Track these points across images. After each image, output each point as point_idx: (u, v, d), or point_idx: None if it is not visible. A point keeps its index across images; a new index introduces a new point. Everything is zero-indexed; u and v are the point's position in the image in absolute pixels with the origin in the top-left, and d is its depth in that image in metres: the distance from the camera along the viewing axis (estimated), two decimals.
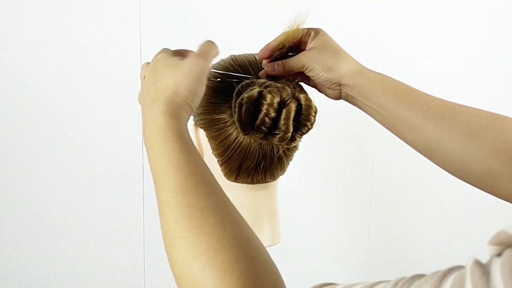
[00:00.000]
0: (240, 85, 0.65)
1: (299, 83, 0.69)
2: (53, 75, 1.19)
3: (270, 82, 0.65)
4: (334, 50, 0.66)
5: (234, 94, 0.64)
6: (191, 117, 0.71)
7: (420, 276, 0.33)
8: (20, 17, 1.16)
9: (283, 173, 0.72)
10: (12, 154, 1.23)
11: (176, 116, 0.51)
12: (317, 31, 0.67)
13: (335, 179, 1.29)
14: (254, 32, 1.17)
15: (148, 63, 0.60)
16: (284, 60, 0.68)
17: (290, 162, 0.72)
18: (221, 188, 0.48)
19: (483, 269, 0.29)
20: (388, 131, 0.65)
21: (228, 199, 0.47)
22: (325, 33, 0.67)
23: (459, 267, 0.31)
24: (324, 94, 0.70)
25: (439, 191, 1.32)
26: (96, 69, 1.19)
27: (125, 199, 1.26)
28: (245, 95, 0.62)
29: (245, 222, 0.46)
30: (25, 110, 1.20)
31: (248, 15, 1.18)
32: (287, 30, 0.68)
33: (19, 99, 1.20)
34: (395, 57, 1.23)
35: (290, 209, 1.29)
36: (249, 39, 1.14)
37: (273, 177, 0.71)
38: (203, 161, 0.50)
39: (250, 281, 0.40)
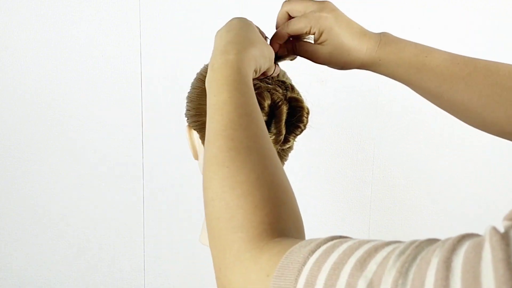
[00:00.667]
0: None
1: (291, 83, 0.68)
2: (53, 75, 1.19)
3: (260, 84, 0.65)
4: (345, 50, 0.63)
5: None
6: (185, 119, 0.71)
7: (436, 240, 0.33)
8: (20, 17, 1.16)
9: None
10: (12, 154, 1.23)
11: (247, 62, 0.53)
12: (320, 29, 0.62)
13: (335, 179, 1.29)
14: None
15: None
16: (296, 45, 0.65)
17: (286, 163, 0.72)
18: (268, 137, 0.50)
19: (503, 234, 0.29)
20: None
21: (273, 147, 0.50)
22: (332, 27, 0.62)
23: (476, 234, 0.31)
24: (317, 57, 0.66)
25: (439, 191, 1.32)
26: (96, 69, 1.19)
27: (125, 199, 1.26)
28: None
29: (283, 170, 0.48)
30: (25, 110, 1.20)
31: (248, 15, 1.18)
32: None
33: (19, 99, 1.20)
34: None
35: None
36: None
37: None
38: (259, 108, 0.52)
39: (276, 221, 0.43)
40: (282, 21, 0.65)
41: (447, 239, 0.32)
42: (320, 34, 0.62)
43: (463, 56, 0.63)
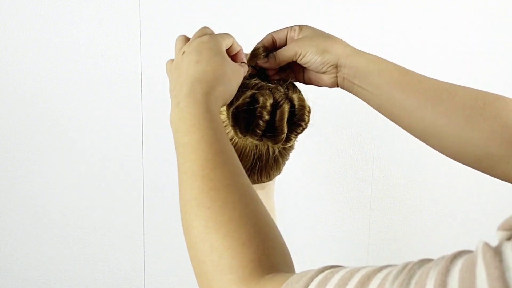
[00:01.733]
0: None
1: (292, 82, 0.69)
2: (53, 75, 1.19)
3: (262, 83, 0.65)
4: (325, 35, 0.65)
5: None
6: None
7: (428, 260, 0.33)
8: (20, 17, 1.16)
9: (279, 173, 0.72)
10: (12, 154, 1.23)
11: (215, 101, 0.53)
12: (301, 26, 0.67)
13: (335, 179, 1.29)
14: (254, 32, 1.17)
15: (186, 37, 0.62)
16: (275, 52, 0.67)
17: (286, 162, 0.72)
18: (245, 173, 0.50)
19: (495, 249, 0.29)
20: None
21: (249, 182, 0.50)
22: (309, 26, 0.67)
23: (468, 251, 0.31)
24: (319, 84, 0.69)
25: (439, 191, 1.32)
26: (96, 69, 1.19)
27: (125, 199, 1.26)
28: (238, 101, 0.61)
29: (264, 207, 0.48)
30: (25, 110, 1.20)
31: (248, 15, 1.18)
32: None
33: (19, 99, 1.20)
34: (395, 57, 1.23)
35: (290, 209, 1.29)
36: (249, 38, 1.14)
37: (269, 177, 0.70)
38: (231, 145, 0.52)
39: (265, 257, 0.43)
40: (266, 42, 0.68)
41: (439, 259, 0.32)
42: (301, 30, 0.66)
43: (409, 70, 0.64)
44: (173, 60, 0.62)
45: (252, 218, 0.45)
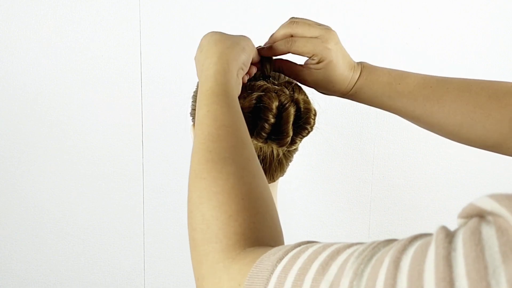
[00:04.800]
0: None
1: (298, 83, 0.68)
2: (53, 75, 1.19)
3: (268, 85, 0.64)
4: (332, 81, 0.66)
5: None
6: (190, 119, 0.71)
7: (394, 240, 0.34)
8: (20, 17, 1.16)
9: (283, 174, 0.72)
10: (12, 154, 1.23)
11: (227, 71, 0.55)
12: (321, 59, 0.64)
13: (335, 179, 1.29)
14: (254, 32, 1.17)
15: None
16: (284, 64, 0.67)
17: (290, 164, 0.72)
18: (250, 145, 0.51)
19: (449, 232, 0.30)
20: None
21: (254, 156, 0.50)
22: (331, 61, 0.64)
23: (429, 234, 0.32)
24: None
25: (439, 191, 1.32)
26: (96, 69, 1.19)
27: (125, 199, 1.26)
28: (244, 103, 0.61)
29: (264, 179, 0.49)
30: (25, 110, 1.20)
31: (248, 15, 1.18)
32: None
33: (19, 99, 1.20)
34: (395, 57, 1.23)
35: (291, 210, 1.29)
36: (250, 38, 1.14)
37: (273, 179, 0.70)
38: (241, 117, 0.53)
39: (250, 231, 0.44)
40: (281, 39, 0.66)
41: (402, 239, 0.33)
42: (318, 62, 0.64)
43: (437, 77, 0.65)
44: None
45: (245, 191, 0.46)
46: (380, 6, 1.20)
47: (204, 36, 0.62)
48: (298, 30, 0.64)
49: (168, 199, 1.26)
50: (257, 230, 0.45)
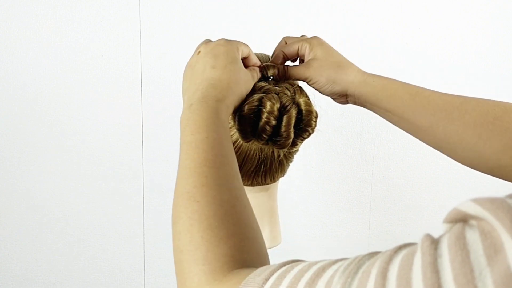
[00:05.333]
0: None
1: (299, 85, 0.68)
2: (53, 75, 1.19)
3: (269, 86, 0.64)
4: (335, 62, 0.67)
5: None
6: None
7: (377, 253, 0.34)
8: (20, 17, 1.16)
9: (283, 175, 0.72)
10: (12, 154, 1.23)
11: (226, 109, 0.56)
12: (311, 44, 0.68)
13: (335, 179, 1.29)
14: (254, 32, 1.17)
15: (209, 40, 0.66)
16: (286, 67, 0.68)
17: (291, 164, 0.72)
18: (239, 177, 0.53)
19: (434, 239, 0.31)
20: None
21: (243, 187, 0.52)
22: (321, 43, 0.68)
23: (413, 243, 0.33)
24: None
25: (439, 191, 1.32)
26: (96, 69, 1.19)
27: (125, 199, 1.26)
28: (245, 105, 0.61)
29: (252, 211, 0.51)
30: (25, 110, 1.20)
31: (248, 15, 1.18)
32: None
33: (19, 99, 1.20)
34: (395, 57, 1.23)
35: (291, 210, 1.29)
36: (250, 39, 1.14)
37: (273, 179, 0.70)
38: (233, 151, 0.55)
39: (239, 254, 0.45)
40: (278, 59, 0.71)
41: (386, 251, 0.33)
42: (311, 49, 0.67)
43: (450, 93, 0.65)
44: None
45: (236, 218, 0.47)
46: (380, 6, 1.20)
47: (223, 46, 0.62)
48: (285, 39, 0.72)
49: (168, 199, 1.26)
50: (245, 252, 0.45)
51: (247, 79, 0.61)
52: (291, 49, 0.69)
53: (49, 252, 1.28)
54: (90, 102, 1.21)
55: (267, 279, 0.38)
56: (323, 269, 0.36)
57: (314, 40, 0.69)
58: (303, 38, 0.70)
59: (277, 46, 0.72)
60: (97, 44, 1.18)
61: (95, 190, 1.25)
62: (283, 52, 0.69)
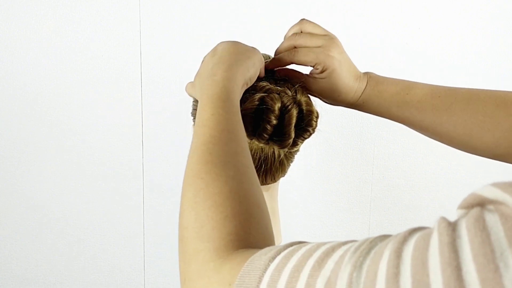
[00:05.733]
0: None
1: (301, 84, 0.68)
2: (53, 75, 1.19)
3: (270, 86, 0.64)
4: (337, 91, 0.67)
5: None
6: (191, 118, 0.71)
7: (387, 236, 0.34)
8: (20, 17, 1.16)
9: (284, 175, 0.72)
10: (12, 154, 1.23)
11: (234, 82, 0.55)
12: (324, 67, 0.64)
13: (335, 179, 1.29)
14: (254, 32, 1.17)
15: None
16: (290, 73, 0.68)
17: (291, 164, 0.72)
18: (249, 153, 0.52)
19: (450, 222, 0.30)
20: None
21: (252, 163, 0.51)
22: (334, 70, 0.64)
23: (427, 227, 0.33)
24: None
25: (439, 191, 1.32)
26: (96, 69, 1.19)
27: (125, 199, 1.26)
28: (246, 104, 0.61)
29: (260, 188, 0.49)
30: (25, 110, 1.20)
31: (248, 15, 1.18)
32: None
33: (19, 99, 1.20)
34: (395, 57, 1.23)
35: (291, 210, 1.29)
36: (250, 39, 1.14)
37: (274, 179, 0.70)
38: (242, 125, 0.54)
39: (245, 233, 0.44)
40: (285, 51, 0.68)
41: (399, 233, 0.33)
42: (322, 71, 0.65)
43: (444, 87, 0.66)
44: (192, 82, 0.66)
45: (242, 195, 0.46)
46: (380, 6, 1.20)
47: (221, 42, 0.62)
48: (300, 41, 0.66)
49: (168, 199, 1.26)
50: (251, 234, 0.44)
51: (253, 51, 0.61)
52: (304, 63, 0.66)
53: (49, 252, 1.28)
54: (90, 102, 1.21)
55: (273, 258, 0.38)
56: (333, 249, 0.35)
57: (330, 64, 0.64)
58: (320, 54, 0.64)
59: (283, 48, 0.68)
60: (97, 44, 1.18)
61: (95, 190, 1.25)
62: (292, 61, 0.67)
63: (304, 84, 0.67)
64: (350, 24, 1.20)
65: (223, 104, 0.52)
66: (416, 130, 0.68)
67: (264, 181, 0.69)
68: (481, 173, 1.30)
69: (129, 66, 1.19)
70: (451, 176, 1.31)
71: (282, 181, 0.75)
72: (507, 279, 0.26)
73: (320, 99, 0.69)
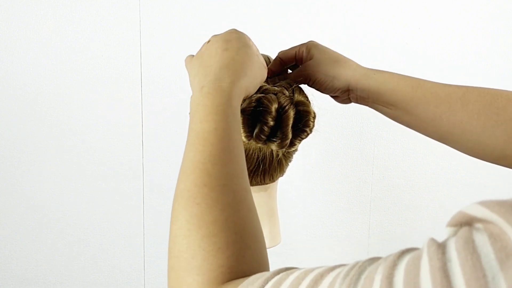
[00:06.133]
0: None
1: (298, 85, 0.68)
2: (53, 75, 1.19)
3: (267, 86, 0.65)
4: (333, 58, 0.67)
5: None
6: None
7: (378, 258, 0.34)
8: (20, 17, 1.16)
9: (282, 174, 0.72)
10: (12, 154, 1.23)
11: (239, 93, 0.52)
12: (308, 46, 0.68)
13: (335, 179, 1.29)
14: (254, 32, 1.17)
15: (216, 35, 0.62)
16: (286, 75, 0.69)
17: (290, 164, 0.72)
18: (246, 175, 0.49)
19: (440, 244, 0.30)
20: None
21: (249, 186, 0.48)
22: (317, 45, 0.69)
23: (416, 248, 0.32)
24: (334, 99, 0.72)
25: (439, 191, 1.32)
26: (96, 69, 1.19)
27: (125, 199, 1.26)
28: (243, 105, 0.61)
29: (256, 213, 0.47)
30: (25, 110, 1.20)
31: (248, 15, 1.18)
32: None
33: (19, 99, 1.20)
34: (395, 57, 1.23)
35: (290, 209, 1.29)
36: (250, 38, 1.14)
37: (272, 179, 0.70)
38: (241, 143, 0.51)
39: (238, 264, 0.42)
40: (276, 65, 0.71)
41: (388, 256, 0.33)
42: (308, 51, 0.67)
43: (449, 84, 0.64)
44: (193, 55, 0.63)
45: (238, 224, 0.44)
46: (380, 6, 1.20)
47: (235, 33, 0.59)
48: (282, 52, 0.71)
49: (168, 199, 1.26)
50: (245, 263, 0.43)
51: (261, 65, 0.58)
52: (289, 54, 0.69)
53: (49, 252, 1.28)
54: (90, 102, 1.21)
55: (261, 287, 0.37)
56: (321, 276, 0.35)
57: (310, 43, 0.69)
58: (297, 45, 0.70)
59: (272, 66, 0.71)
60: (97, 44, 1.18)
61: (95, 190, 1.25)
62: (280, 58, 0.69)
63: (301, 78, 0.67)
64: (350, 24, 1.20)
65: (227, 118, 0.49)
66: (426, 123, 0.64)
67: (262, 181, 0.69)
68: (481, 173, 1.30)
69: (129, 66, 1.19)
70: (451, 176, 1.31)
71: (282, 181, 0.75)
72: None
73: (321, 88, 0.68)
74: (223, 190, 0.45)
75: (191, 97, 0.53)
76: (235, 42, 0.57)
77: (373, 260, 0.34)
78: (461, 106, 0.60)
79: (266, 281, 0.37)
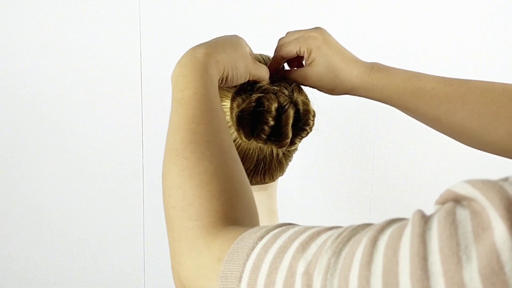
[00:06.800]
0: (236, 89, 0.64)
1: (297, 84, 0.68)
2: (53, 75, 1.19)
3: (267, 85, 0.65)
4: (333, 71, 0.65)
5: (230, 98, 0.63)
6: None
7: (369, 225, 0.35)
8: (20, 17, 1.16)
9: (282, 174, 0.72)
10: (12, 154, 1.23)
11: (215, 64, 0.55)
12: (309, 48, 0.65)
13: (335, 179, 1.29)
14: (254, 32, 1.17)
15: None
16: (286, 73, 0.68)
17: (290, 163, 0.72)
18: (229, 132, 0.53)
19: (425, 214, 0.32)
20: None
21: (232, 142, 0.52)
22: (320, 46, 0.65)
23: (405, 218, 0.34)
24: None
25: (439, 191, 1.32)
26: (96, 69, 1.19)
27: (125, 199, 1.26)
28: (243, 105, 0.61)
29: (241, 166, 0.51)
30: (25, 110, 1.20)
31: (248, 15, 1.18)
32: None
33: (19, 99, 1.20)
34: (395, 57, 1.23)
35: (291, 209, 1.29)
36: (250, 39, 1.14)
37: (272, 178, 0.70)
38: (221, 105, 0.54)
39: (232, 211, 0.45)
40: (276, 63, 0.70)
41: (379, 223, 0.34)
42: (309, 54, 0.65)
43: (455, 78, 0.64)
44: None
45: (227, 173, 0.47)
46: (380, 6, 1.20)
47: (234, 35, 0.63)
48: (283, 39, 0.69)
49: None
50: (238, 210, 0.46)
51: (248, 56, 0.61)
52: (289, 53, 0.67)
53: (49, 252, 1.28)
54: (90, 102, 1.21)
55: (262, 237, 0.39)
56: (318, 233, 0.37)
57: (312, 43, 0.65)
58: (300, 38, 0.66)
59: (279, 42, 0.70)
60: (97, 44, 1.18)
61: (95, 190, 1.25)
62: (281, 56, 0.68)
63: (302, 77, 0.67)
64: (350, 24, 1.20)
65: (205, 84, 0.53)
66: (428, 122, 0.66)
67: (262, 180, 0.69)
68: (481, 173, 1.30)
69: (129, 66, 1.19)
70: (451, 176, 1.31)
71: (282, 180, 0.75)
72: (467, 271, 0.27)
73: (322, 90, 0.68)
74: (209, 144, 0.48)
75: (172, 71, 0.56)
76: (227, 36, 0.61)
77: (366, 225, 0.36)
78: (461, 106, 0.61)
79: (267, 232, 0.40)
